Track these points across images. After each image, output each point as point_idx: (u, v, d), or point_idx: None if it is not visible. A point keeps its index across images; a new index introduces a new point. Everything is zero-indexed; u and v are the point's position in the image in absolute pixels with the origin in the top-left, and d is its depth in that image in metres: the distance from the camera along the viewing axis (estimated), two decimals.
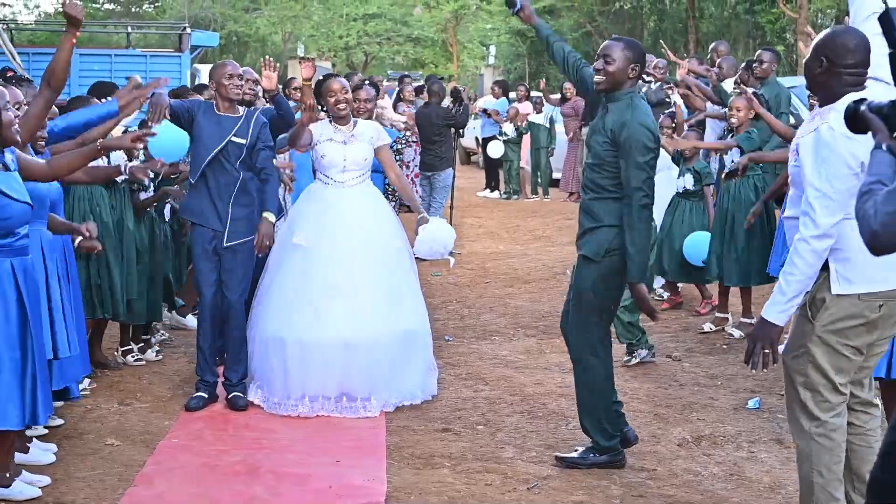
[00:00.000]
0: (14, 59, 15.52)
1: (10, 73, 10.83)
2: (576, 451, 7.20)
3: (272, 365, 8.41)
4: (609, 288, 6.94)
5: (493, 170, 24.42)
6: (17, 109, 6.54)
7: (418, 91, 19.56)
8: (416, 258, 8.95)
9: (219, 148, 8.25)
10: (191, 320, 10.76)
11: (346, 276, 8.39)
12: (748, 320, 10.68)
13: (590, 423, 7.08)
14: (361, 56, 51.22)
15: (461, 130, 18.90)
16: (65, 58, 6.68)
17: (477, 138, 24.23)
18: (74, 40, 6.72)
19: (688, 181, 11.48)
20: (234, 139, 8.28)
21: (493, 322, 11.69)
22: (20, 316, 6.06)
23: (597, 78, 6.86)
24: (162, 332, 10.48)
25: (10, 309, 6.00)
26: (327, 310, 8.31)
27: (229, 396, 8.44)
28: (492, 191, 24.29)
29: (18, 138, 6.13)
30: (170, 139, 8.38)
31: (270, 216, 8.28)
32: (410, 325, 8.56)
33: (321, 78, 8.96)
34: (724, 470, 7.05)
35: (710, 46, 14.25)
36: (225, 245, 8.34)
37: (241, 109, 8.49)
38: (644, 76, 10.76)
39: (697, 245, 11.18)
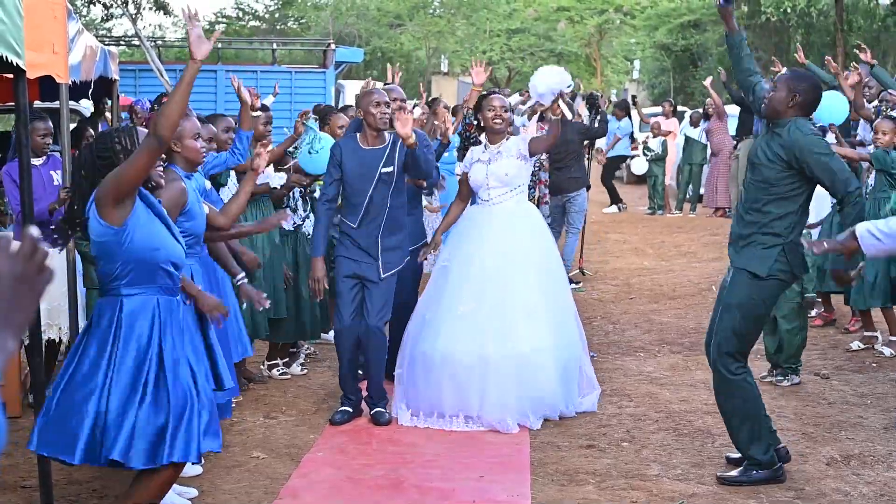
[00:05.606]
0: (162, 76, 15.78)
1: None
2: (735, 469, 7.12)
3: (416, 378, 8.48)
4: (763, 308, 6.90)
5: (612, 185, 24.35)
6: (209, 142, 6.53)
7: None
8: None
9: (372, 187, 8.23)
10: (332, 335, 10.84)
11: (490, 294, 8.41)
12: None
13: (743, 438, 7.00)
14: (505, 71, 51.28)
15: (595, 141, 18.42)
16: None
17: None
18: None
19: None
20: (384, 170, 8.25)
21: (638, 338, 11.61)
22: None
23: (763, 104, 6.89)
24: (307, 346, 10.56)
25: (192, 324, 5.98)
26: (471, 327, 8.34)
27: (373, 412, 8.49)
28: (619, 208, 24.13)
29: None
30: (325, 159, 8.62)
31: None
32: (558, 340, 8.50)
33: (483, 93, 8.98)
34: (875, 490, 6.89)
35: (853, 63, 13.93)
36: (382, 277, 8.32)
37: (388, 136, 8.35)
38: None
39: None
